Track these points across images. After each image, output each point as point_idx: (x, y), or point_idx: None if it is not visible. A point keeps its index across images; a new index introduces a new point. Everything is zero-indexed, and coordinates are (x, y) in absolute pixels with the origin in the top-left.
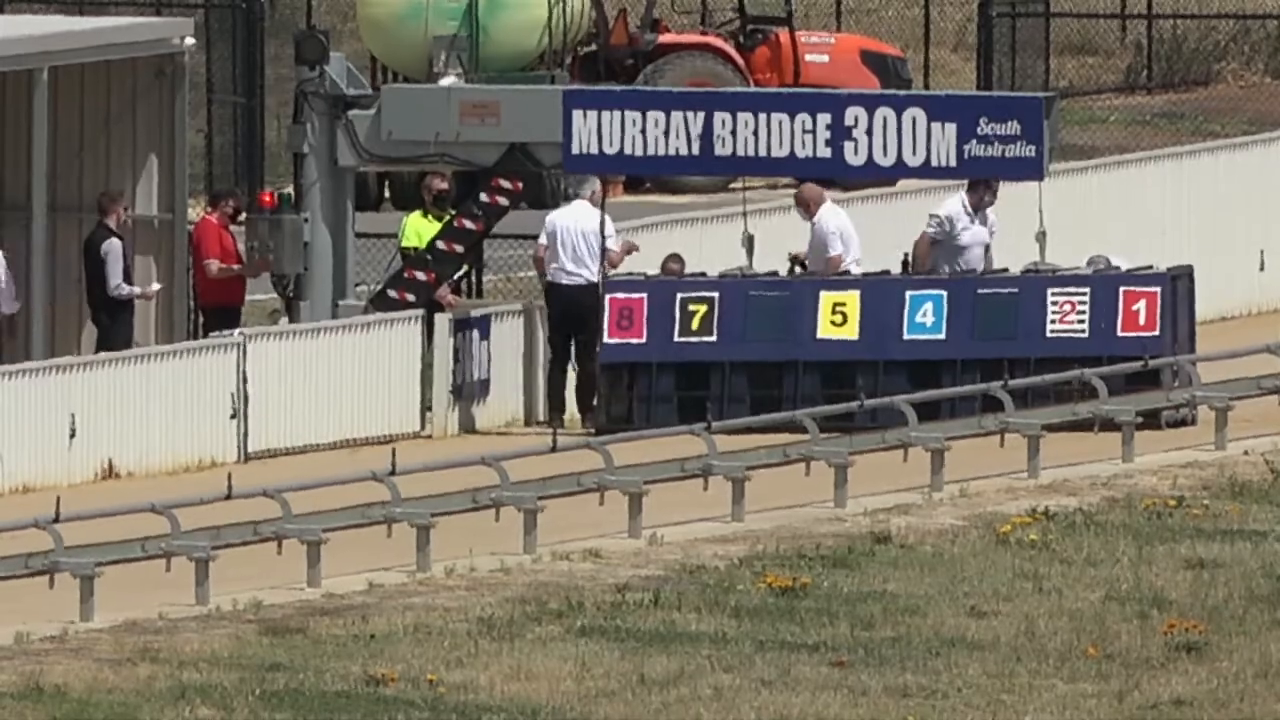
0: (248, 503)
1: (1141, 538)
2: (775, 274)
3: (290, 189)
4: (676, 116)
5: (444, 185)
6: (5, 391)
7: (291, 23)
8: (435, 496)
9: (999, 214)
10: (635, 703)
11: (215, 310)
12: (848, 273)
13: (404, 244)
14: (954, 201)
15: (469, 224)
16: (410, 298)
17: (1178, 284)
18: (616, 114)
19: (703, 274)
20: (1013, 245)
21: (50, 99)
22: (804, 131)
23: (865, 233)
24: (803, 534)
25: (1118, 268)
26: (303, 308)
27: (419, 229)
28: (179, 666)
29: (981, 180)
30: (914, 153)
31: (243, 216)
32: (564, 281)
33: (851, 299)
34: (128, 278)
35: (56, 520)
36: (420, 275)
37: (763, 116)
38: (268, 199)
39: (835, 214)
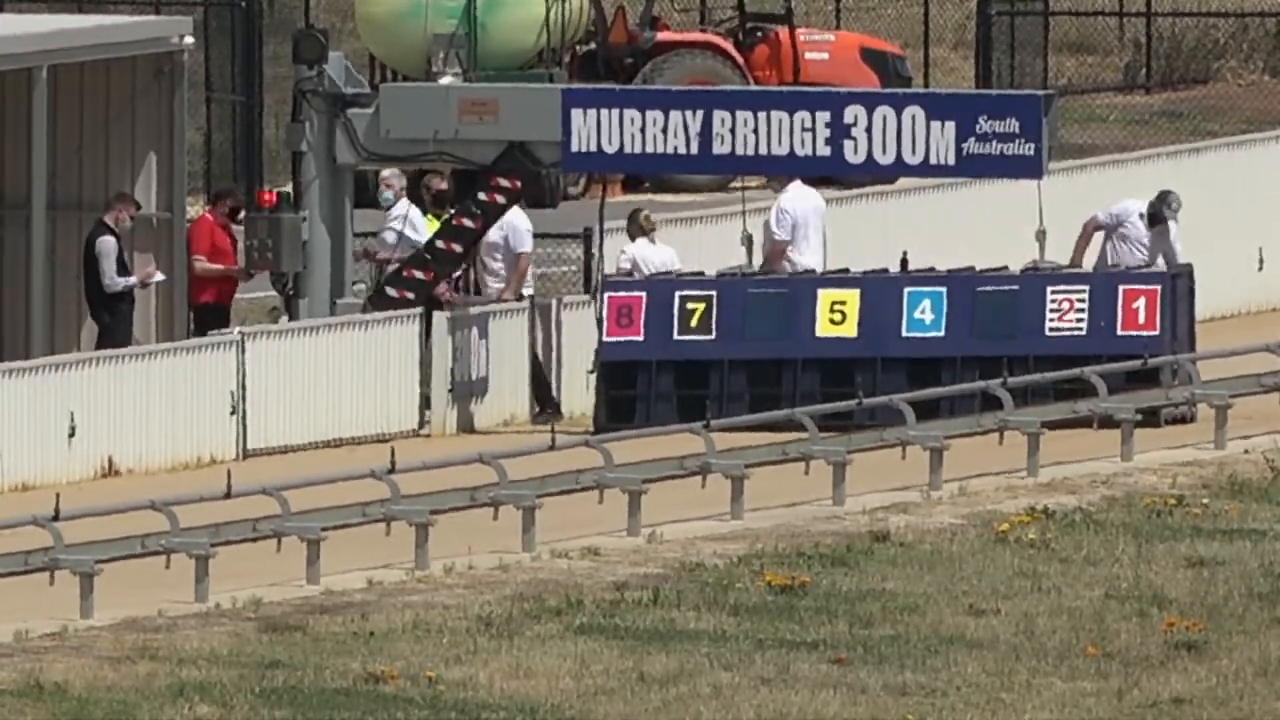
0: (247, 500)
1: (1141, 536)
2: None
3: (289, 187)
4: (675, 115)
5: (443, 185)
6: (5, 390)
7: (290, 21)
8: (434, 494)
9: (997, 213)
10: (634, 701)
11: (204, 308)
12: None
13: None
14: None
15: (468, 222)
16: (409, 296)
17: (1177, 282)
18: (615, 112)
19: (700, 273)
20: (1012, 243)
21: (50, 97)
22: (803, 130)
23: (865, 230)
24: (801, 532)
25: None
26: (301, 306)
27: None
28: (178, 664)
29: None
30: (913, 151)
31: (242, 215)
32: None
33: (850, 297)
34: (124, 274)
35: (56, 518)
36: (419, 273)
37: (762, 115)
38: (267, 197)
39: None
